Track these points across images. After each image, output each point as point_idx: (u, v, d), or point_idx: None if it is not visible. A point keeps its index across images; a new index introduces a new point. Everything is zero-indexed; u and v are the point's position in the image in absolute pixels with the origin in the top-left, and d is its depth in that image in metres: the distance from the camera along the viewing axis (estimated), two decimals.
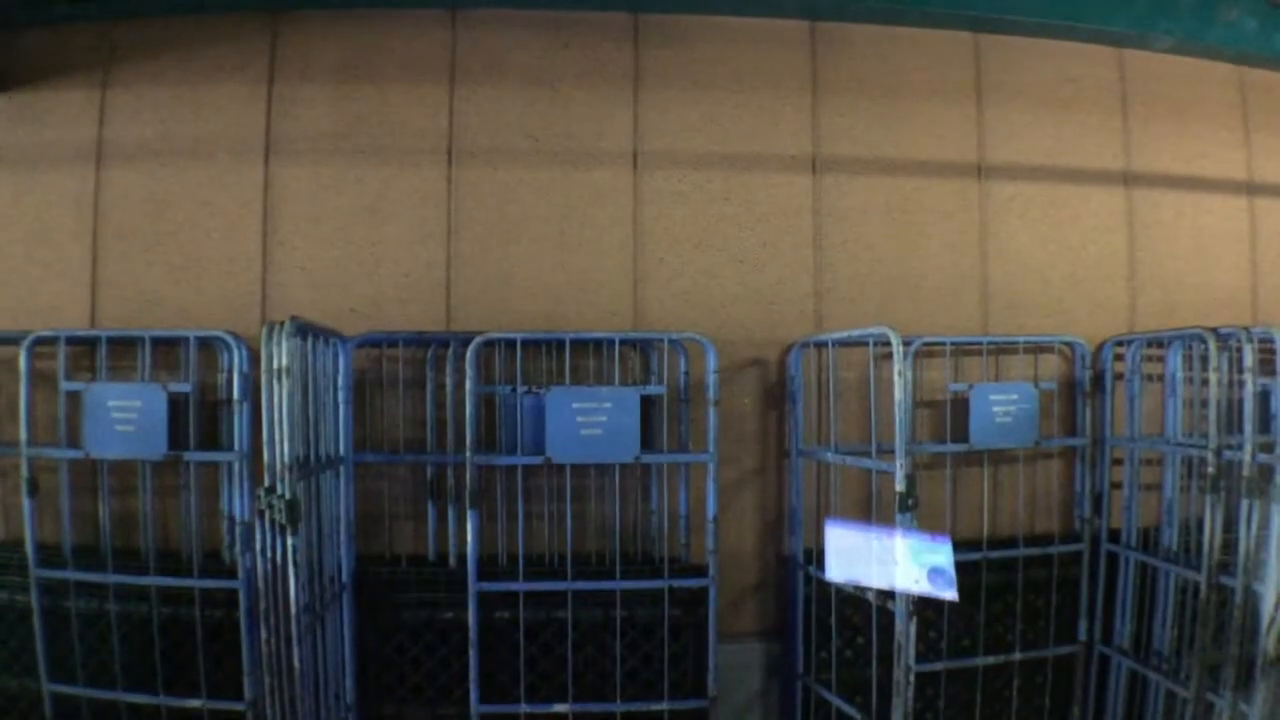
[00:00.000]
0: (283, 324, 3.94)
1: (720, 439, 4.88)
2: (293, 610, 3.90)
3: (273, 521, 3.93)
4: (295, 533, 3.86)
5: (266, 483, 3.94)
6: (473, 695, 4.66)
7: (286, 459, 3.87)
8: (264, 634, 4.05)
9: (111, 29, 5.38)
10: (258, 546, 4.09)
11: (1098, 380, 5.66)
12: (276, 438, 3.92)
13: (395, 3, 5.33)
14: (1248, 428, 4.72)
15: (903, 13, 5.46)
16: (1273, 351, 4.91)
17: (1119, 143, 5.91)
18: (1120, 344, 5.65)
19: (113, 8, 5.28)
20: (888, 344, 4.36)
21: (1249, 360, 4.71)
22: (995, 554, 5.36)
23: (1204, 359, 4.94)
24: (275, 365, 3.91)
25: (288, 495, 3.84)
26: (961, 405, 5.38)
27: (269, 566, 4.01)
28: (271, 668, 4.05)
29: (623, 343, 5.07)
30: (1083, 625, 5.57)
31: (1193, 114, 6.05)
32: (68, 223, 5.32)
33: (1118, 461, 5.65)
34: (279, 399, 3.89)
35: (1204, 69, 6.02)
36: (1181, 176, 6.02)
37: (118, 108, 5.37)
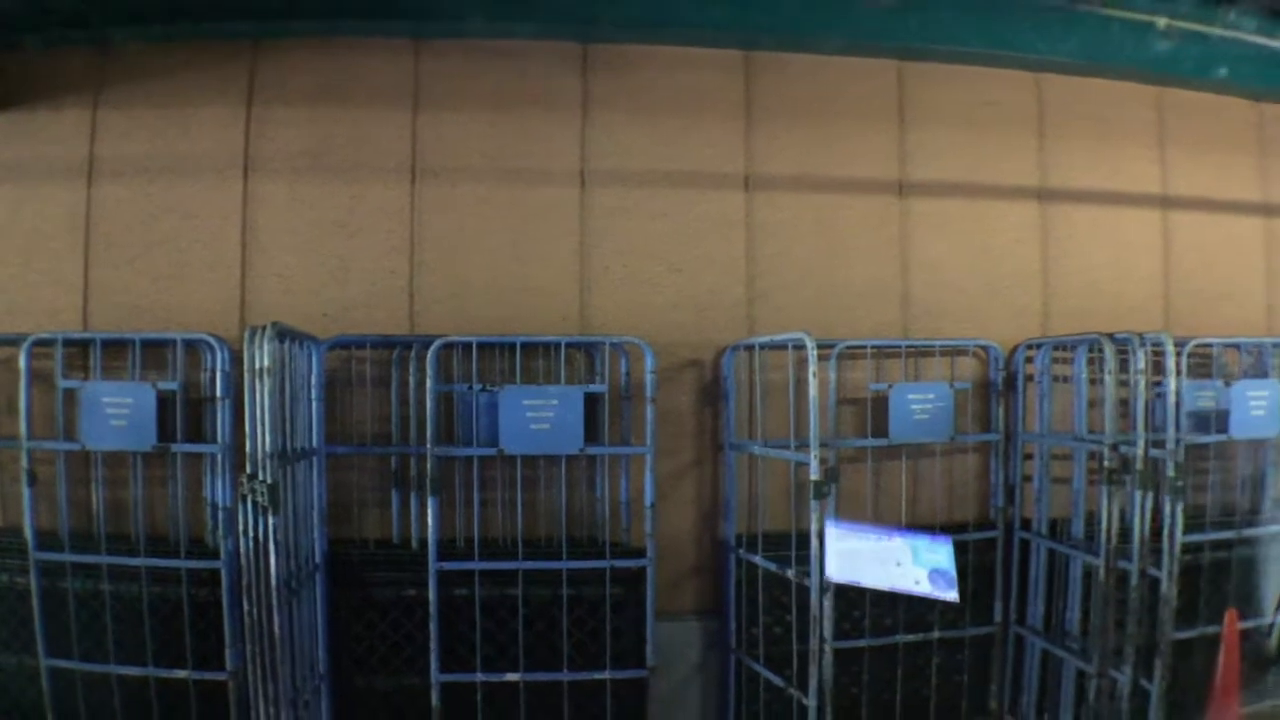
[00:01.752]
0: (264, 329, 4.74)
1: (659, 433, 5.75)
2: (273, 582, 4.71)
3: (255, 504, 4.72)
4: (276, 513, 4.68)
5: (249, 470, 4.74)
6: (433, 665, 5.47)
7: (268, 449, 4.68)
8: (246, 606, 4.84)
9: (103, 53, 6.14)
10: (240, 527, 4.86)
11: (1010, 381, 6.52)
12: (258, 430, 4.72)
13: (364, 33, 6.13)
14: (1139, 425, 5.56)
15: (831, 42, 6.31)
16: (1170, 355, 5.71)
17: (1035, 161, 6.78)
18: (1031, 347, 6.49)
19: (104, 33, 6.01)
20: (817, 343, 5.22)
21: (1141, 363, 5.55)
22: None
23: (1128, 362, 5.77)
24: (257, 365, 4.72)
25: (269, 480, 4.65)
26: (882, 403, 6.22)
27: (251, 545, 4.78)
28: (253, 636, 4.84)
29: (569, 345, 5.91)
30: (998, 607, 6.41)
31: (1110, 132, 6.91)
32: (62, 233, 6.09)
33: (1029, 456, 6.51)
34: (260, 396, 4.70)
35: (1123, 90, 6.88)
36: (1096, 191, 6.88)
37: (108, 127, 6.15)
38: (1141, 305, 6.92)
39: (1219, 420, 6.36)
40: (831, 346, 6.02)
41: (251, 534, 4.79)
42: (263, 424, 4.71)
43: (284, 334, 4.97)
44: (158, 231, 6.12)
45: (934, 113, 6.67)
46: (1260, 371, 6.78)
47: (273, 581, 4.70)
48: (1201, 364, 6.65)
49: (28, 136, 6.18)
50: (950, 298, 6.63)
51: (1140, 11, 5.77)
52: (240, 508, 4.87)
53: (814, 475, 5.14)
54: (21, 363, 5.53)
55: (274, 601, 4.71)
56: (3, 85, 6.12)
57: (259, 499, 4.68)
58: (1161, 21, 5.70)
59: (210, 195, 6.16)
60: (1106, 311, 6.68)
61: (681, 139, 6.40)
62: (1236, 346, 6.81)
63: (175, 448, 5.62)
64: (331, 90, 6.22)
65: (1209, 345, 6.52)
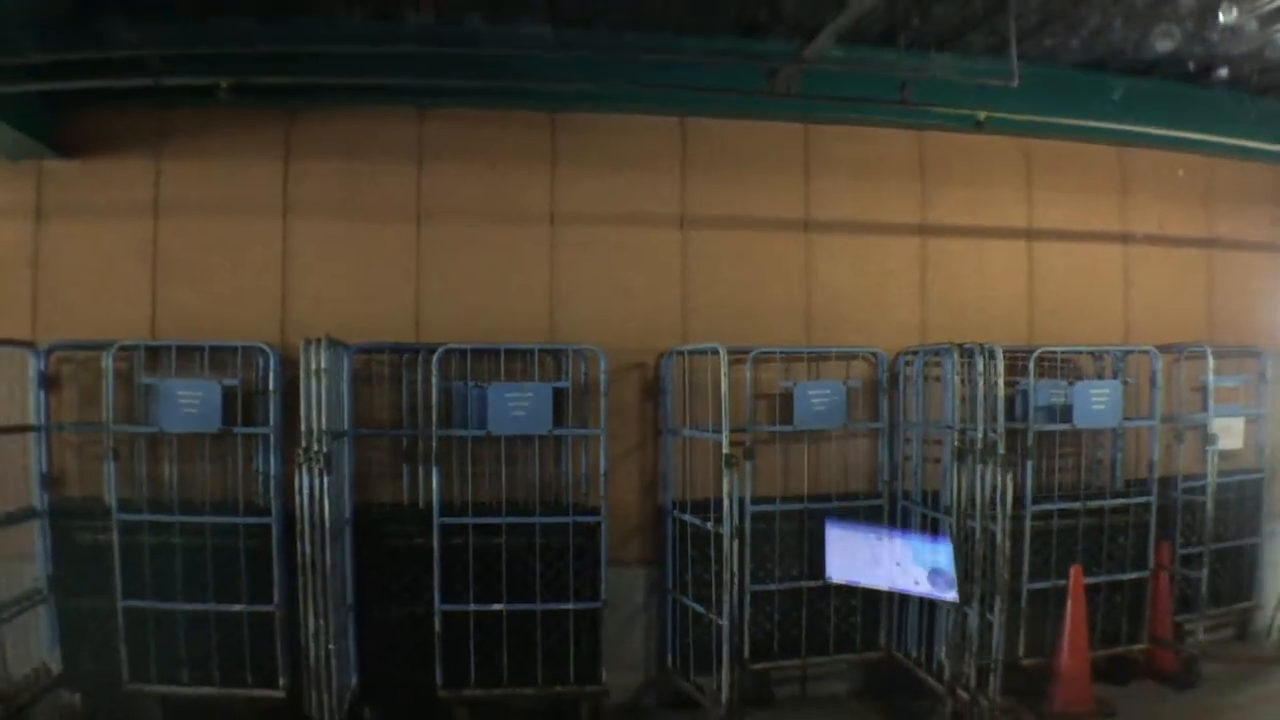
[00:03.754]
0: (320, 340, 7.09)
1: (611, 420, 8.22)
2: (328, 526, 7.06)
3: (310, 469, 7.04)
4: (330, 474, 7.07)
5: (304, 444, 7.05)
6: (436, 598, 7.84)
7: (324, 428, 7.07)
8: (302, 547, 7.10)
9: (163, 115, 8.43)
10: (297, 487, 7.10)
11: (893, 380, 8.99)
12: (314, 414, 7.07)
13: (378, 103, 8.51)
14: (980, 413, 7.89)
15: (750, 111, 8.74)
16: (1000, 361, 7.98)
17: (917, 202, 9.33)
18: (910, 354, 8.93)
19: (165, 98, 8.07)
20: (731, 351, 7.63)
21: (980, 367, 7.86)
22: (815, 505, 8.66)
23: (969, 366, 8.09)
24: (314, 367, 7.05)
25: (326, 450, 7.04)
26: (788, 397, 8.67)
27: (307, 500, 7.06)
28: (307, 570, 7.10)
29: (541, 351, 8.39)
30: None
31: (982, 178, 9.47)
32: (132, 261, 8.43)
33: (908, 440, 8.95)
34: (317, 389, 7.06)
35: (995, 143, 9.32)
36: (969, 226, 9.43)
37: (170, 175, 8.51)
38: (1007, 320, 9.43)
39: (1064, 413, 8.77)
40: (748, 352, 8.45)
41: (307, 492, 7.08)
42: (319, 410, 7.08)
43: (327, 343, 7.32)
44: (213, 260, 8.49)
45: (834, 164, 9.18)
46: (1110, 373, 9.32)
47: (327, 525, 7.07)
48: (1056, 367, 9.17)
49: (101, 181, 8.51)
50: (845, 314, 9.16)
51: (966, 109, 8.31)
52: (298, 473, 7.11)
53: (725, 450, 7.51)
54: (106, 363, 7.79)
55: (328, 539, 7.08)
56: (77, 138, 8.42)
57: (317, 464, 7.02)
58: (981, 114, 8.19)
59: (256, 231, 8.55)
60: (975, 326, 9.05)
61: (630, 187, 8.91)
62: (1080, 353, 9.33)
63: (236, 430, 7.96)
64: (353, 148, 8.63)
65: (1054, 352, 9.02)
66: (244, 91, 7.82)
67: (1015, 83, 7.77)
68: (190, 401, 7.88)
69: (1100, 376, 9.39)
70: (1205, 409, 9.49)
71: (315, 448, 7.10)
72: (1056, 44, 8.73)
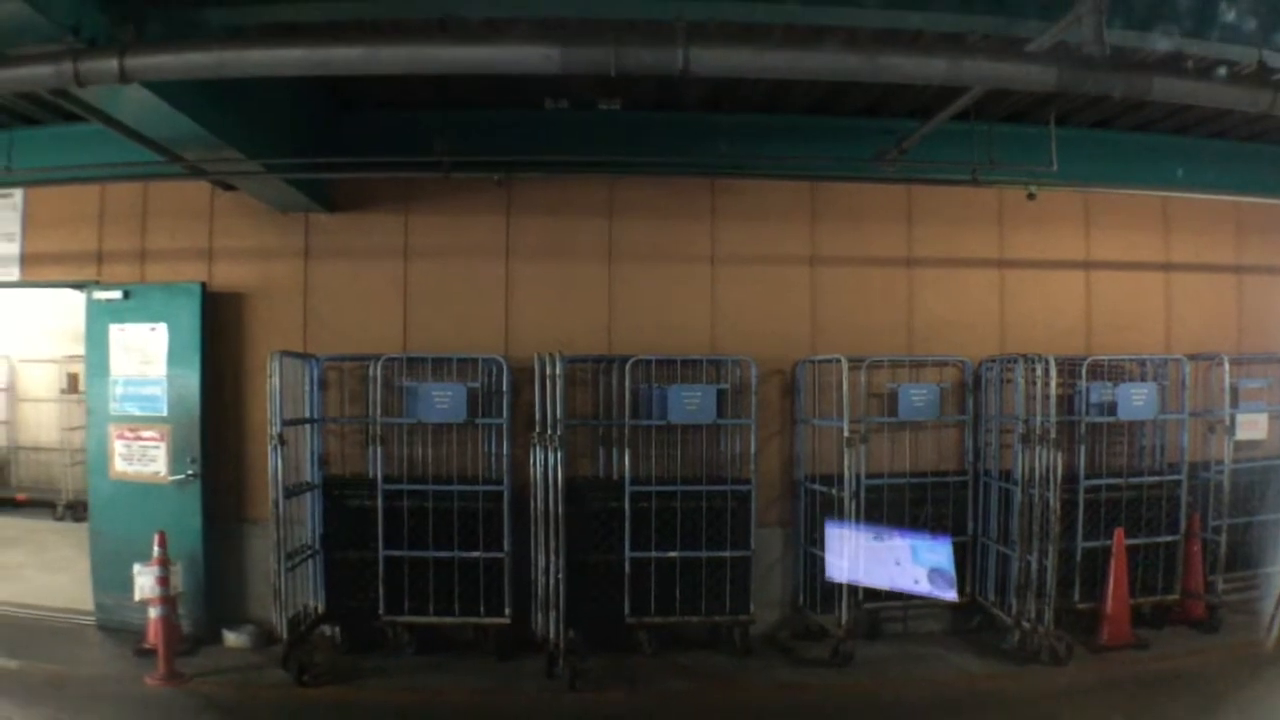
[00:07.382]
0: (554, 355, 9.87)
1: (759, 413, 10.95)
2: (560, 489, 9.83)
3: (545, 448, 9.85)
4: (561, 449, 10.01)
5: (538, 429, 9.86)
6: (627, 546, 10.59)
7: (557, 417, 9.93)
8: (534, 505, 9.89)
9: (409, 182, 11.21)
10: (533, 461, 9.88)
11: (976, 382, 11.68)
12: (548, 408, 9.88)
13: (578, 174, 11.29)
14: (1038, 408, 10.55)
15: (865, 176, 11.32)
16: (1053, 369, 10.58)
17: (996, 241, 12.05)
18: (990, 362, 11.59)
19: (406, 172, 10.80)
20: (850, 360, 10.41)
21: (1039, 372, 10.50)
22: (914, 480, 11.38)
23: (1032, 371, 10.69)
24: (548, 373, 9.87)
25: (560, 433, 9.91)
26: (894, 396, 11.37)
27: (540, 470, 9.83)
28: (537, 522, 9.88)
29: (707, 361, 11.11)
30: (969, 524, 11.45)
31: (1048, 219, 12.02)
32: (388, 292, 11.32)
33: (989, 429, 11.60)
34: (553, 390, 9.86)
35: (1057, 195, 11.75)
36: (1038, 260, 12.11)
37: (415, 227, 11.42)
38: (1069, 335, 12.05)
39: (1111, 408, 11.37)
40: (862, 360, 11.05)
41: (541, 465, 9.86)
42: (553, 405, 9.90)
43: (552, 356, 10.16)
44: (451, 292, 11.35)
45: (930, 214, 11.88)
46: (1152, 377, 11.87)
47: (560, 488, 9.88)
48: (1105, 372, 11.72)
49: (360, 230, 11.42)
50: (939, 330, 11.84)
51: (1020, 181, 10.96)
52: (533, 451, 9.89)
53: (846, 434, 10.32)
54: (375, 372, 10.76)
55: (559, 498, 9.89)
56: (340, 196, 11.35)
57: (551, 444, 9.87)
58: (1033, 188, 10.88)
59: (484, 270, 11.42)
60: (1043, 340, 11.57)
61: (772, 235, 11.69)
62: (1124, 361, 11.89)
63: (478, 421, 10.84)
64: (559, 207, 11.46)
65: (1103, 360, 11.59)
66: (477, 166, 10.54)
67: (1054, 168, 10.41)
68: (442, 399, 10.69)
69: (1142, 380, 11.80)
70: (1228, 407, 11.89)
71: (549, 432, 9.95)
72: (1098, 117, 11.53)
